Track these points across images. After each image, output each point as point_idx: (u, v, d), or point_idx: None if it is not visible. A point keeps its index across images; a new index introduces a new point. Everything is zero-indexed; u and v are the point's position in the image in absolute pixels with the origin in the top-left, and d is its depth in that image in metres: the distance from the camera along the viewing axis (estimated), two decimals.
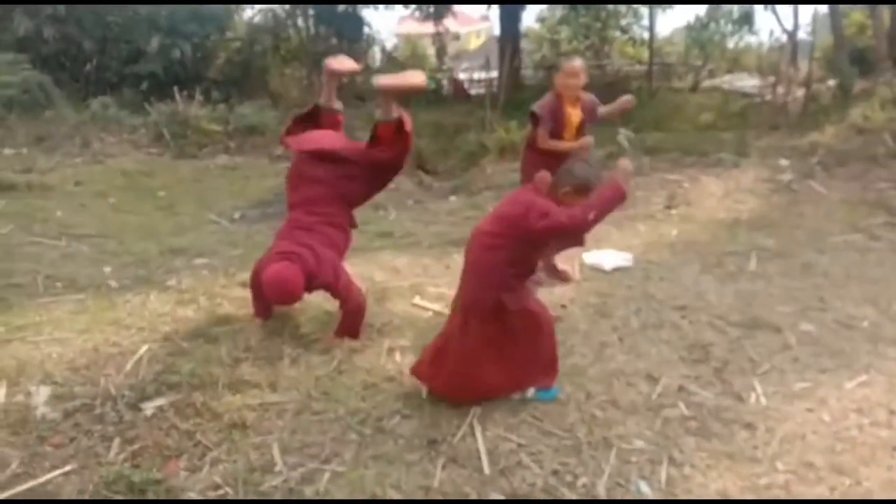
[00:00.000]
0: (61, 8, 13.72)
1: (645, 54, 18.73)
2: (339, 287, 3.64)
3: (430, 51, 19.69)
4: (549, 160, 3.92)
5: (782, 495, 2.47)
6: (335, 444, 2.85)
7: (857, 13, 15.95)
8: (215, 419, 3.00)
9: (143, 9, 15.53)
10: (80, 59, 14.61)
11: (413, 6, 17.96)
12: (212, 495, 2.55)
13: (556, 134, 4.43)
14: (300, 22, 16.48)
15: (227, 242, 5.63)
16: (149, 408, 3.09)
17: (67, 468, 2.68)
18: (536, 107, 4.44)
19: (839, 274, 4.64)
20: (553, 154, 4.24)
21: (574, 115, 4.45)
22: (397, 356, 3.56)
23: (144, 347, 3.62)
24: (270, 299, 3.66)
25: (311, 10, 16.48)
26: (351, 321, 3.73)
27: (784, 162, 8.10)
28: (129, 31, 15.09)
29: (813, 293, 4.31)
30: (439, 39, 18.77)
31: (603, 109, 4.60)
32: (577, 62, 4.46)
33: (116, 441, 2.86)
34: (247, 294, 4.38)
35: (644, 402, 3.12)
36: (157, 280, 4.65)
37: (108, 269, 4.88)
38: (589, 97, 4.56)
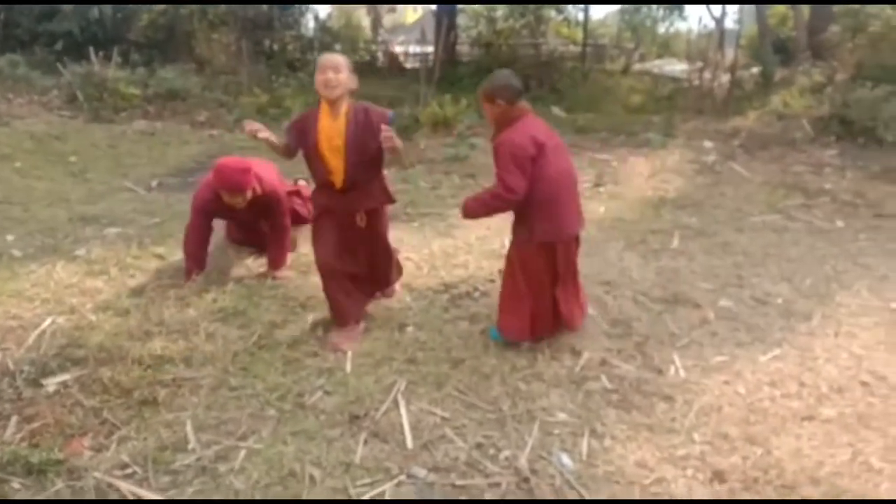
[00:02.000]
0: None
1: (579, 35, 18.89)
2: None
3: (365, 22, 19.28)
4: None
5: (699, 465, 2.52)
6: (253, 420, 2.75)
7: (781, 5, 16.52)
8: (124, 395, 2.84)
9: None
10: None
11: None
12: (118, 475, 2.41)
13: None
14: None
15: (143, 211, 5.34)
16: (51, 384, 2.91)
17: None
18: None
19: (757, 252, 4.80)
20: None
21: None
22: (320, 331, 3.46)
23: (48, 320, 3.39)
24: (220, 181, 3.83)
25: None
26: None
27: (708, 144, 8.34)
28: None
29: (732, 270, 4.44)
30: (374, 11, 18.39)
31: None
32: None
33: (14, 419, 2.67)
34: (160, 265, 4.19)
35: (567, 375, 3.14)
36: (65, 249, 4.38)
37: (10, 238, 4.56)
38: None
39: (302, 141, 3.32)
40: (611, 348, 3.40)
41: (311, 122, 3.30)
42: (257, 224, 4.33)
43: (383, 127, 3.14)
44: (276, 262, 4.19)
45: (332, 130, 3.25)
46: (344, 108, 3.26)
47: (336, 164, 3.28)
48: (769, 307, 3.90)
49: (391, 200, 3.54)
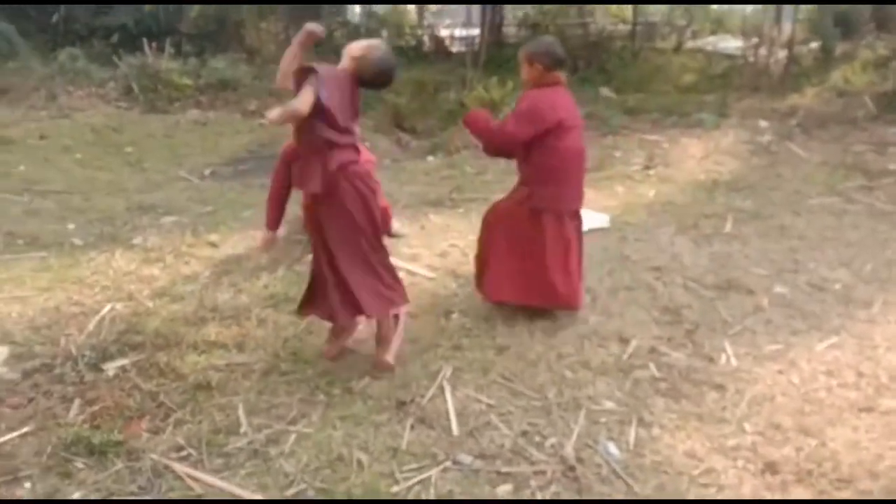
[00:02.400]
0: None
1: (629, 13, 18.43)
2: None
3: (411, 7, 19.21)
4: None
5: (750, 457, 2.47)
6: (302, 405, 2.81)
7: None
8: (179, 380, 2.94)
9: None
10: (47, 9, 14.07)
11: None
12: (174, 457, 2.50)
13: None
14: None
15: (197, 200, 5.49)
16: (110, 368, 3.02)
17: (25, 430, 2.61)
18: None
19: (815, 236, 4.64)
20: None
21: None
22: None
23: (108, 307, 3.52)
24: None
25: None
26: None
27: (764, 124, 8.06)
28: None
29: (788, 255, 4.31)
30: None
31: None
32: None
33: (76, 402, 2.79)
34: (214, 253, 4.30)
35: (615, 363, 3.10)
36: (123, 238, 4.53)
37: (72, 227, 4.74)
38: None
39: None
40: (660, 336, 3.34)
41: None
42: None
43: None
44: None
45: None
46: None
47: None
48: (826, 293, 3.77)
49: None
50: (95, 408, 2.75)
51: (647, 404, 2.81)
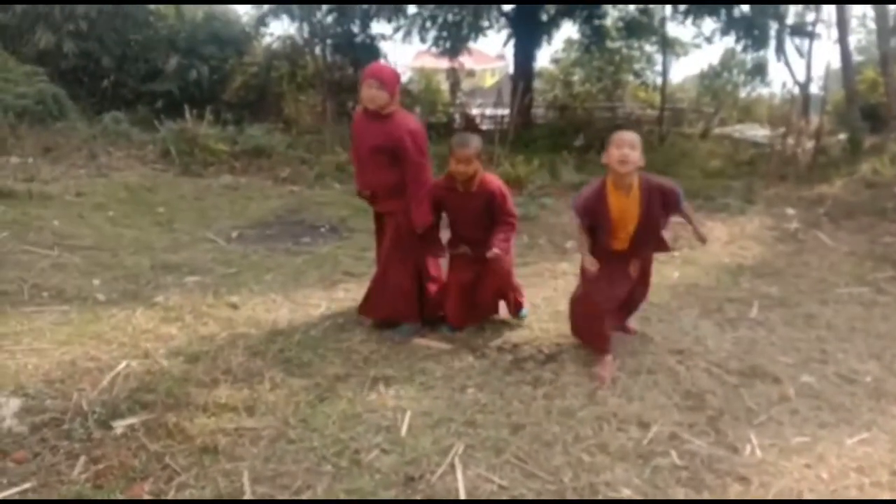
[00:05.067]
0: (83, 24, 13.94)
1: (657, 99, 18.84)
2: None
3: (445, 86, 19.84)
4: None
5: None
6: (308, 475, 2.73)
7: (870, 70, 16.03)
8: (187, 441, 2.89)
9: (163, 29, 15.79)
10: (98, 74, 14.82)
11: (430, 41, 18.12)
12: None
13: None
14: (317, 50, 16.67)
15: (222, 261, 5.55)
16: (119, 426, 2.98)
17: (26, 486, 2.57)
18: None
19: (843, 326, 4.51)
20: None
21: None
22: (381, 386, 3.44)
23: (123, 363, 3.52)
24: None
25: (328, 39, 16.69)
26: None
27: (791, 211, 8.02)
28: (149, 50, 15.32)
29: (815, 345, 4.18)
30: (454, 74, 18.93)
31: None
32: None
33: (82, 459, 2.74)
34: (233, 314, 4.31)
35: (634, 449, 2.99)
36: (146, 295, 4.57)
37: (96, 282, 4.80)
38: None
39: (593, 217, 3.58)
40: (682, 422, 3.22)
41: (600, 198, 3.53)
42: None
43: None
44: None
45: (624, 205, 3.50)
46: (635, 183, 3.48)
47: (624, 236, 3.59)
48: (856, 386, 3.63)
49: (666, 248, 3.89)
50: (100, 466, 2.70)
51: (666, 494, 2.69)
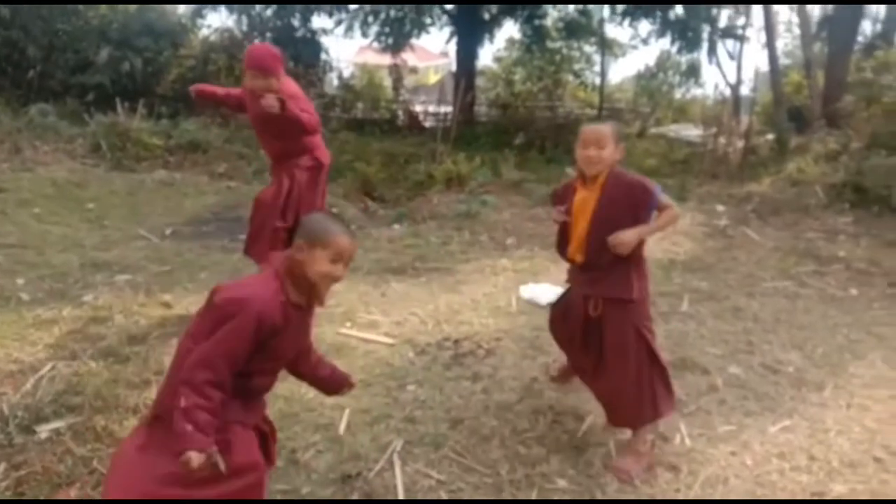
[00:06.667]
0: (5, 11, 13.27)
1: (596, 99, 19.23)
2: None
3: (387, 82, 19.73)
4: None
5: None
6: None
7: (796, 74, 16.75)
8: (116, 445, 2.77)
9: (94, 19, 15.18)
10: (23, 65, 14.10)
11: (372, 37, 18.00)
12: None
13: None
14: (257, 42, 16.32)
15: (155, 259, 5.38)
16: (44, 430, 2.87)
17: None
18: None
19: (768, 319, 4.71)
20: None
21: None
22: None
23: (48, 366, 3.38)
24: None
25: (268, 33, 16.38)
26: None
27: (721, 208, 8.31)
28: (78, 41, 14.66)
29: (742, 336, 4.36)
30: (396, 71, 18.85)
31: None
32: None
33: (1, 466, 2.62)
34: (166, 313, 4.19)
35: (569, 441, 3.05)
36: (73, 294, 4.40)
37: (20, 281, 4.59)
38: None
39: (562, 204, 3.05)
40: None
41: (569, 187, 3.07)
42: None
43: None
44: None
45: (584, 197, 2.94)
46: (602, 176, 2.90)
47: (579, 233, 2.95)
48: (780, 376, 3.80)
49: (629, 295, 2.85)
50: (22, 473, 2.59)
51: (600, 484, 2.76)
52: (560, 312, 3.19)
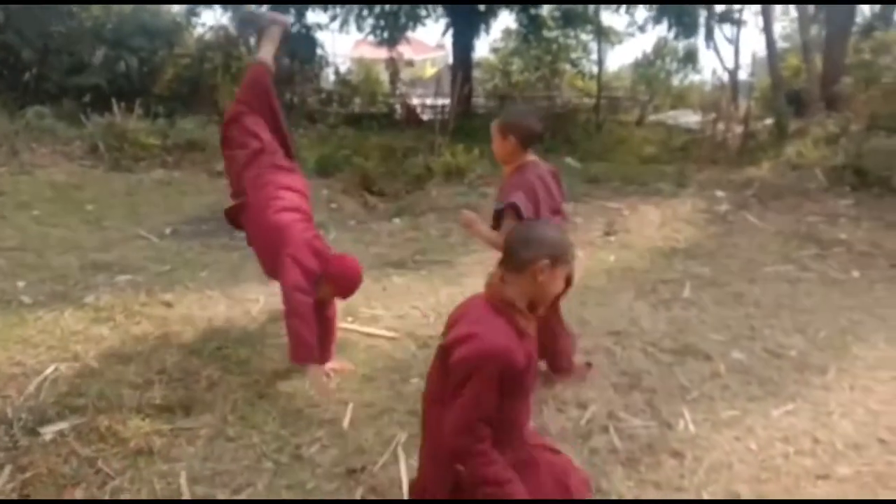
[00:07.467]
0: (0, 15, 13.23)
1: (593, 87, 19.15)
2: None
3: (384, 76, 19.67)
4: None
5: None
6: (249, 472, 2.69)
7: (794, 57, 16.68)
8: (120, 444, 2.80)
9: (88, 20, 15.14)
10: (18, 67, 14.08)
11: (367, 31, 17.92)
12: None
13: None
14: (252, 40, 16.27)
15: (155, 259, 5.38)
16: (48, 432, 2.87)
17: None
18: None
19: (770, 303, 4.70)
20: None
21: None
22: (323, 380, 3.41)
23: (51, 367, 3.38)
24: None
25: None
26: None
27: (721, 194, 8.29)
28: (73, 43, 14.63)
29: (744, 322, 4.35)
30: (393, 65, 18.78)
31: None
32: None
33: (7, 469, 2.63)
34: (167, 313, 4.19)
35: (573, 429, 3.05)
36: (75, 296, 4.40)
37: (21, 284, 4.59)
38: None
39: None
40: (619, 401, 3.31)
41: None
42: None
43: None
44: None
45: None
46: (510, 168, 3.29)
47: None
48: (782, 360, 3.80)
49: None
50: (27, 475, 2.60)
51: (604, 471, 2.76)
52: None
